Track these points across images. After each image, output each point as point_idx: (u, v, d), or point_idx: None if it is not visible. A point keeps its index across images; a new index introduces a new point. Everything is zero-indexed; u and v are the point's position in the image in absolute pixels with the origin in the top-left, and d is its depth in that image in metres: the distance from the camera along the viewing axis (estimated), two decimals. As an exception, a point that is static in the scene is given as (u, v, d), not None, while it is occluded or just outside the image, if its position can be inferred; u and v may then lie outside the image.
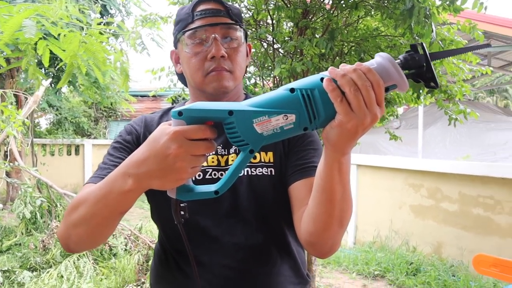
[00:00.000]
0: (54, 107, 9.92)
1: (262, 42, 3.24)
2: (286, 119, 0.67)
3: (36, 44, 2.07)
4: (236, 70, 0.99)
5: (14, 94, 5.54)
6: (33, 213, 4.69)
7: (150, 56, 3.72)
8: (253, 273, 0.99)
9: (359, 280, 4.41)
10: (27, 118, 5.53)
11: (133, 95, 7.38)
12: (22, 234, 4.89)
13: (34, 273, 3.90)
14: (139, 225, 4.76)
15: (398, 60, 0.69)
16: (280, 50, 3.20)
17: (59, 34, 2.05)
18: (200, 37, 0.97)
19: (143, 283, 3.74)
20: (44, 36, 2.06)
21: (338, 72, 0.65)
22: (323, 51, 2.67)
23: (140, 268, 3.91)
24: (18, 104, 7.21)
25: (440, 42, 2.63)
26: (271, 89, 3.22)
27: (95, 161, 9.82)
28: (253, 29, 3.15)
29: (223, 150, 1.03)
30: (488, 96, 19.72)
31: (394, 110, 3.78)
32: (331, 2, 2.90)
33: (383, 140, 7.74)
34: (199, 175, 0.99)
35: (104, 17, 7.77)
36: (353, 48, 3.03)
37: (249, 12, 3.18)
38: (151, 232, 4.72)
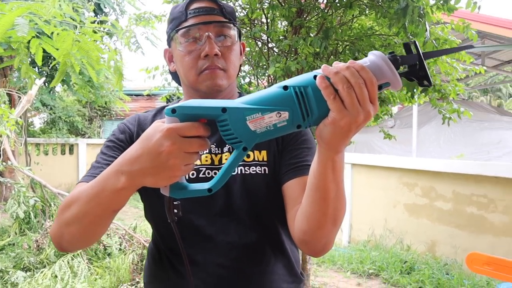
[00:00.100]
0: (48, 106, 9.86)
1: (256, 41, 3.24)
2: (279, 116, 0.67)
3: (29, 42, 2.05)
4: (230, 69, 0.99)
5: (7, 93, 5.50)
6: (26, 213, 4.67)
7: (144, 55, 3.71)
8: (247, 272, 0.99)
9: (354, 278, 4.42)
10: (20, 117, 5.50)
11: (128, 94, 7.38)
12: (16, 234, 4.86)
13: (28, 273, 3.88)
14: (134, 225, 4.75)
15: (391, 58, 0.69)
16: (274, 49, 3.20)
17: (52, 33, 2.03)
18: (193, 35, 0.97)
19: (138, 282, 3.73)
20: (37, 34, 2.04)
21: (331, 69, 0.65)
22: (317, 50, 2.68)
23: (135, 268, 3.90)
24: (11, 103, 7.17)
25: (434, 42, 2.64)
26: (265, 88, 3.22)
27: (90, 160, 9.77)
28: (248, 28, 3.15)
29: (216, 149, 1.02)
30: (482, 96, 19.85)
31: (389, 109, 3.79)
32: (325, 1, 2.90)
33: (377, 139, 7.77)
34: (192, 174, 0.99)
35: (98, 16, 7.73)
36: (347, 47, 3.04)
37: (243, 11, 3.17)
38: (145, 231, 4.70)
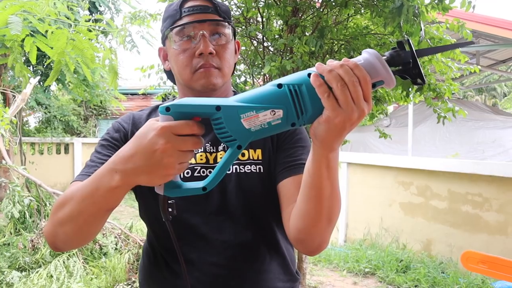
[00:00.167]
0: (43, 105, 9.82)
1: (252, 40, 3.24)
2: (274, 114, 0.67)
3: (23, 41, 2.04)
4: (225, 67, 0.99)
5: (1, 92, 5.47)
6: (21, 213, 4.65)
7: (140, 54, 3.70)
8: (242, 271, 0.99)
9: (350, 277, 4.43)
10: (15, 116, 5.46)
11: (123, 93, 7.34)
12: (11, 234, 4.84)
13: (23, 273, 3.86)
14: (130, 224, 4.75)
15: (385, 57, 0.69)
16: (270, 48, 3.20)
17: (46, 31, 2.02)
18: (188, 33, 0.96)
19: (134, 282, 3.72)
20: (31, 33, 2.03)
21: (325, 67, 0.65)
22: (313, 49, 2.68)
23: (131, 267, 3.89)
24: (6, 102, 7.13)
25: (428, 41, 2.65)
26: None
27: (85, 159, 9.62)
28: (243, 27, 3.15)
29: (211, 147, 1.02)
30: (476, 95, 19.94)
31: (384, 108, 3.80)
32: (321, 0, 2.90)
33: (373, 138, 7.79)
34: (187, 173, 0.99)
35: (93, 14, 7.70)
36: (342, 46, 3.04)
37: (239, 9, 3.17)
38: (141, 231, 4.70)
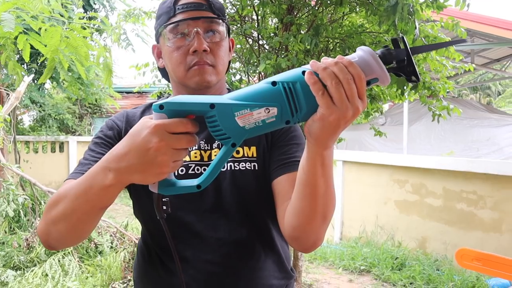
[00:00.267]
0: (37, 103, 9.76)
1: (247, 38, 3.23)
2: (268, 112, 0.67)
3: (16, 38, 2.03)
4: (219, 65, 0.98)
5: (-5, 90, 5.43)
6: (16, 211, 4.62)
7: (135, 52, 3.69)
8: (237, 268, 0.99)
9: (345, 275, 4.44)
10: (9, 114, 5.43)
11: (118, 92, 7.32)
12: (6, 232, 4.81)
13: (18, 272, 3.84)
14: (125, 223, 4.74)
15: (379, 54, 0.69)
16: (265, 46, 3.20)
17: (40, 29, 2.01)
18: (182, 31, 0.96)
19: (129, 280, 3.72)
20: (25, 30, 2.02)
21: (320, 65, 0.65)
22: (308, 47, 2.68)
23: (126, 266, 3.88)
24: (0, 100, 7.08)
25: (423, 39, 2.66)
26: (257, 85, 3.21)
27: (80, 158, 9.67)
28: (238, 25, 3.14)
29: (206, 145, 1.02)
30: (471, 93, 20.02)
31: (379, 106, 3.81)
32: (316, -2, 2.91)
33: (368, 136, 7.82)
34: (181, 170, 0.99)
35: (87, 12, 7.66)
36: (338, 44, 3.04)
37: (234, 7, 3.16)
38: (137, 229, 4.69)
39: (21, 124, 10.99)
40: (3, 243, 4.52)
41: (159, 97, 4.07)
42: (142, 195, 0.99)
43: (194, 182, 0.74)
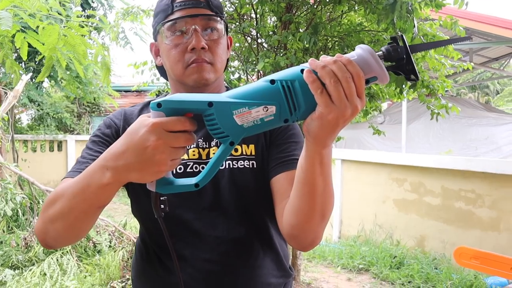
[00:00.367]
0: (35, 102, 9.73)
1: (246, 37, 3.23)
2: (267, 110, 0.67)
3: (13, 36, 2.02)
4: (217, 62, 0.98)
5: (-7, 89, 5.42)
6: (14, 211, 4.61)
7: (133, 50, 3.67)
8: (235, 267, 0.99)
9: (344, 274, 4.44)
10: (7, 113, 5.42)
11: (117, 90, 7.31)
12: (4, 231, 4.80)
13: (16, 271, 3.84)
14: (124, 221, 4.73)
15: (379, 52, 0.69)
16: (264, 44, 3.20)
17: (37, 27, 2.00)
18: (180, 28, 0.95)
19: (128, 279, 3.71)
20: (22, 28, 2.01)
21: (318, 63, 0.64)
22: (306, 45, 2.68)
23: (125, 265, 3.88)
24: (-2, 99, 7.06)
25: (422, 38, 2.65)
26: (255, 84, 3.22)
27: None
28: (237, 23, 3.14)
29: (204, 143, 1.02)
30: (470, 92, 20.03)
31: (378, 105, 3.81)
32: (315, -4, 2.90)
33: (367, 135, 7.82)
34: (180, 169, 0.98)
35: (86, 10, 7.64)
36: (336, 42, 3.04)
37: (232, 6, 3.16)
38: (135, 228, 4.68)
39: (19, 123, 10.98)
40: (1, 242, 4.51)
41: (157, 96, 4.06)
42: (140, 193, 0.99)
43: (192, 180, 0.73)
